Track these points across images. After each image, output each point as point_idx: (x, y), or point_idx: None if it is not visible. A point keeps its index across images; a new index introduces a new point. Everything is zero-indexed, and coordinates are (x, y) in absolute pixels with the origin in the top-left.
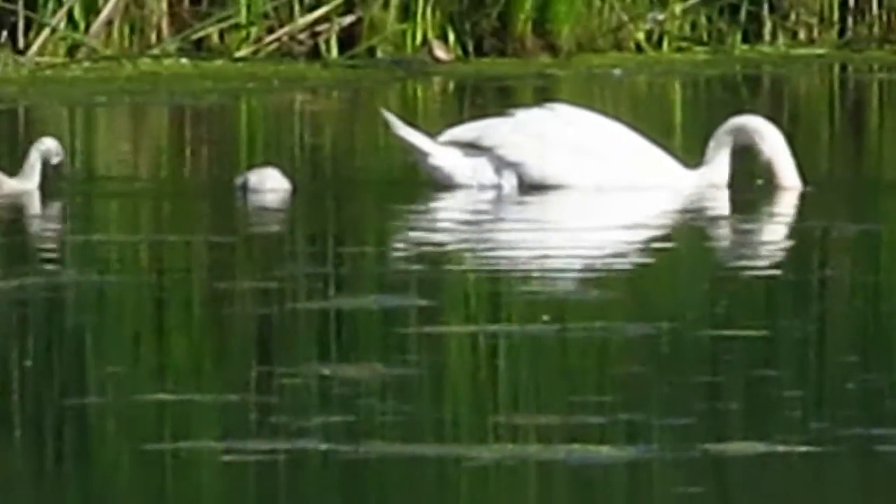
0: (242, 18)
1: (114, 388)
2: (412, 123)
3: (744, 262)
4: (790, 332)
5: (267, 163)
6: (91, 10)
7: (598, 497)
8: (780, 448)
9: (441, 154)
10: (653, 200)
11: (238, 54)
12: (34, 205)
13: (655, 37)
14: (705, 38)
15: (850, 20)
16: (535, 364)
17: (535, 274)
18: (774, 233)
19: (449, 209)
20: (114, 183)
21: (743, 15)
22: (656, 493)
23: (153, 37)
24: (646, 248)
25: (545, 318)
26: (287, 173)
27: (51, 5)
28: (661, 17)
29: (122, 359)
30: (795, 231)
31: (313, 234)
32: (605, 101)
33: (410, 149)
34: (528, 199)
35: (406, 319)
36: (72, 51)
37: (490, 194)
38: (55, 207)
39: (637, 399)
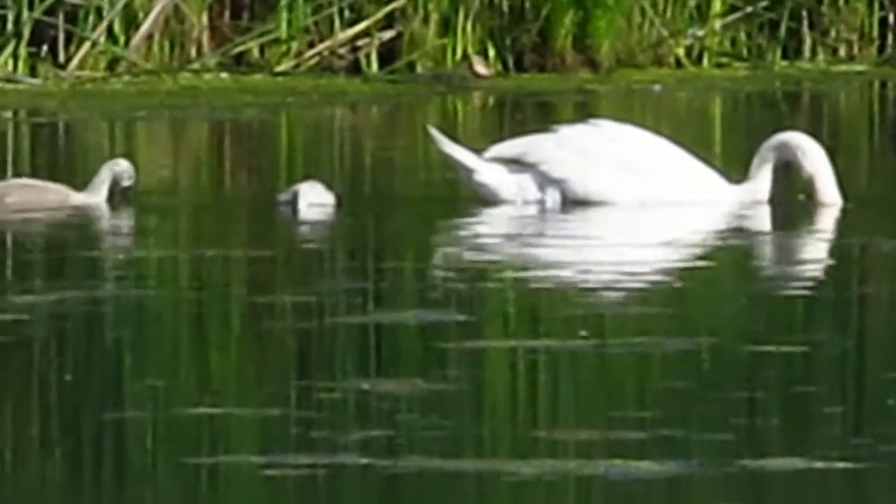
0: (283, 33)
1: (154, 403)
2: (457, 140)
3: (784, 278)
4: (830, 348)
5: (308, 177)
6: (131, 24)
7: None
8: (820, 464)
9: (486, 170)
10: (695, 216)
11: (278, 69)
12: (100, 219)
13: (695, 52)
14: (745, 54)
15: (889, 37)
16: (575, 379)
17: (576, 289)
18: (815, 248)
19: (490, 224)
20: (154, 197)
21: (783, 31)
22: None
23: (193, 51)
24: (686, 264)
25: (583, 333)
26: (330, 188)
27: (91, 19)
28: (700, 32)
29: (161, 373)
30: (835, 247)
31: (354, 249)
32: (644, 117)
33: (455, 165)
34: (571, 215)
35: (446, 334)
36: (112, 65)
37: (533, 210)
38: (114, 224)
39: (677, 414)
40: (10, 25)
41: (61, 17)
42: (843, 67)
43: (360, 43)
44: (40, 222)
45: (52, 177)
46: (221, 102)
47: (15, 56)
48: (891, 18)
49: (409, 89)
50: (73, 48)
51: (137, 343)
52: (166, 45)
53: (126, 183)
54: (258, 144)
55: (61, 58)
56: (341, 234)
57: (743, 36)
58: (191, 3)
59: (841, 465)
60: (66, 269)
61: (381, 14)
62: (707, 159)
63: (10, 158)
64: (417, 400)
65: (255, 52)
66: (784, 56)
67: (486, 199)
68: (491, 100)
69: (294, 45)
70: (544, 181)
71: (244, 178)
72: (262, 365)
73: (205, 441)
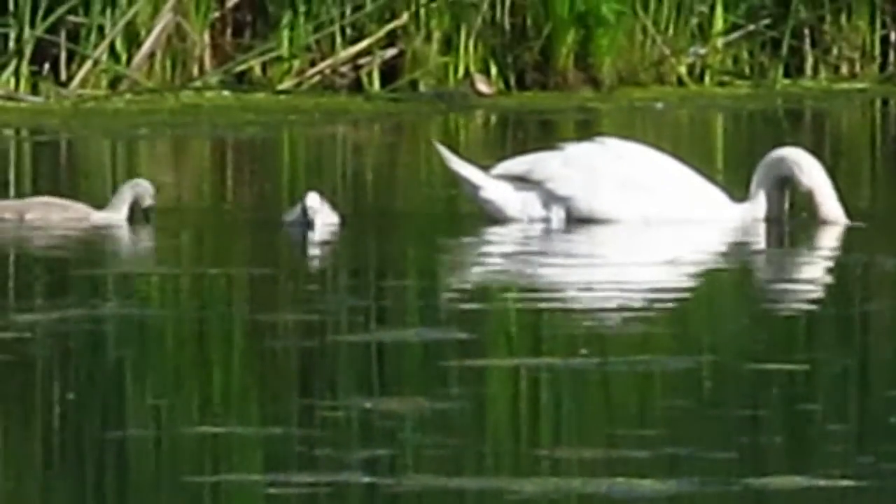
0: (285, 51)
1: (156, 421)
2: (465, 157)
3: (785, 297)
4: (832, 367)
5: (311, 190)
6: (133, 42)
7: None
8: (822, 482)
9: (492, 187)
10: (697, 234)
11: (280, 87)
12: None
13: (697, 71)
14: (747, 72)
15: (891, 55)
16: (578, 397)
17: (578, 307)
18: (816, 266)
19: (494, 242)
20: (156, 215)
21: (785, 49)
22: None
23: (195, 69)
24: (688, 282)
25: (584, 351)
26: (335, 206)
27: (93, 38)
28: (702, 51)
29: (164, 391)
30: (837, 265)
31: (356, 267)
32: (647, 135)
33: (462, 182)
34: (575, 232)
35: (448, 352)
36: (114, 83)
37: (537, 228)
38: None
39: (679, 433)
40: (11, 44)
41: (63, 35)
42: (845, 85)
43: (362, 61)
44: (56, 240)
45: (53, 195)
46: (223, 121)
47: (17, 74)
48: (892, 37)
49: (412, 107)
50: (74, 66)
51: (140, 361)
52: (168, 63)
53: (147, 203)
54: (260, 163)
55: (63, 76)
56: (344, 252)
57: (745, 54)
58: (193, 22)
59: (843, 483)
60: (69, 288)
61: (382, 32)
62: (711, 177)
63: (11, 176)
64: (420, 418)
65: (258, 71)
66: (786, 74)
67: (493, 216)
68: (493, 118)
69: (296, 64)
70: (549, 199)
71: (246, 197)
72: (265, 383)
73: (208, 460)
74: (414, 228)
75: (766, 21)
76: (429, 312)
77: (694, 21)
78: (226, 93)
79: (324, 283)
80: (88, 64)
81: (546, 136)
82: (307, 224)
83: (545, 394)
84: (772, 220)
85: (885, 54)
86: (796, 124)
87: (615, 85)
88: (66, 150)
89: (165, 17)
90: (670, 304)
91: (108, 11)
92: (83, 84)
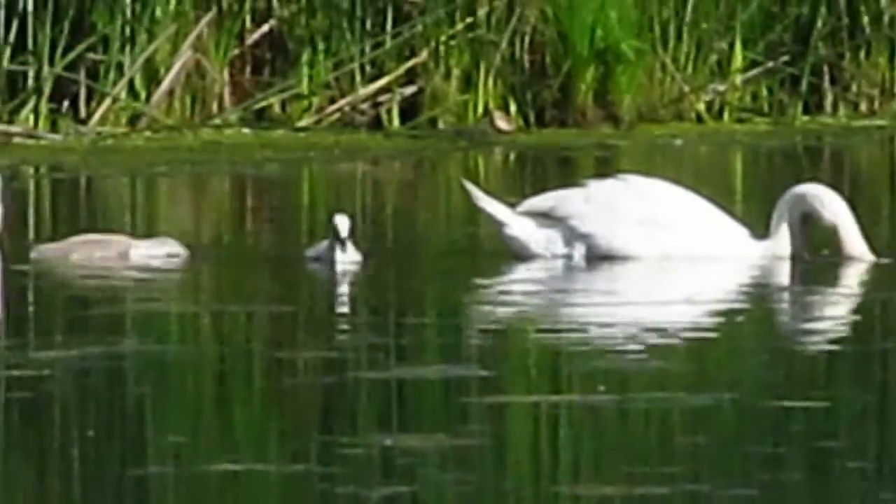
0: (304, 88)
1: (176, 459)
2: (492, 193)
3: (806, 334)
4: (852, 404)
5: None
6: (152, 79)
7: None
8: None
9: (517, 224)
10: (718, 271)
11: (299, 124)
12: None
13: (716, 107)
14: (766, 108)
15: None
16: (597, 434)
17: (598, 344)
18: (837, 304)
19: (513, 280)
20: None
21: (804, 86)
22: None
23: (214, 107)
24: (708, 320)
25: (601, 388)
26: (356, 244)
27: (112, 75)
28: (721, 87)
29: (184, 429)
30: (858, 303)
31: (376, 304)
32: (666, 171)
33: (489, 219)
34: (596, 269)
35: (468, 389)
36: (133, 120)
37: (559, 264)
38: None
39: (700, 470)
40: (31, 81)
41: (82, 72)
42: (865, 122)
43: (381, 98)
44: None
45: (70, 233)
46: (243, 158)
47: (36, 112)
48: None
49: (431, 145)
50: (94, 104)
51: (160, 399)
52: (187, 100)
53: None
54: (280, 200)
55: (82, 113)
56: (364, 289)
57: (764, 91)
58: (212, 59)
59: None
60: (89, 325)
61: (402, 70)
62: (733, 213)
63: (31, 214)
64: (441, 455)
65: (277, 108)
66: (805, 111)
67: (517, 252)
68: (512, 155)
69: (315, 101)
70: (571, 235)
71: (266, 233)
72: (285, 421)
73: (228, 497)
74: (434, 265)
75: (786, 58)
76: (449, 349)
77: (713, 58)
78: (245, 130)
79: (344, 320)
80: (108, 101)
81: (565, 173)
82: (340, 243)
83: (565, 431)
84: (794, 256)
85: None
86: (815, 161)
87: (634, 122)
88: (86, 187)
89: (185, 55)
90: (690, 341)
91: (128, 49)
92: (102, 121)
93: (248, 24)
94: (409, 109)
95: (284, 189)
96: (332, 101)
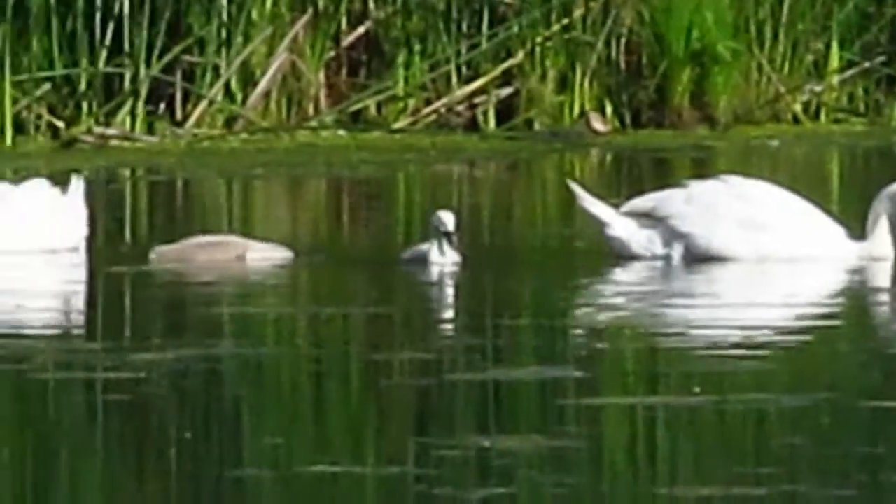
0: (400, 90)
1: (273, 460)
2: (597, 194)
3: None
4: None
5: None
6: (248, 82)
7: None
8: None
9: (619, 225)
10: (815, 272)
11: (395, 126)
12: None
13: (813, 108)
14: (862, 109)
15: None
16: (695, 436)
17: (694, 346)
18: None
19: (610, 281)
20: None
21: None
22: None
23: (310, 108)
24: (805, 321)
25: (698, 389)
26: (456, 245)
27: (208, 77)
28: (818, 88)
29: (281, 430)
30: None
31: (472, 305)
32: (762, 172)
33: (591, 219)
34: (694, 270)
35: (565, 391)
36: (229, 122)
37: (656, 266)
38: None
39: (797, 470)
40: (127, 84)
41: (179, 75)
42: None
43: (477, 100)
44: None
45: (168, 234)
46: (339, 159)
47: (133, 114)
48: None
49: (527, 146)
50: (190, 106)
51: (257, 401)
52: (283, 102)
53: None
54: (376, 201)
55: (178, 115)
56: (461, 291)
57: (860, 91)
58: (308, 61)
59: None
60: (186, 327)
61: (498, 71)
62: (833, 213)
63: (128, 216)
64: (537, 457)
65: (373, 110)
66: None
67: (618, 252)
68: (608, 156)
69: (411, 103)
70: (671, 236)
71: (363, 236)
72: (382, 422)
73: (324, 499)
74: (531, 266)
75: (882, 58)
76: (546, 351)
77: (809, 59)
78: (341, 132)
79: (441, 322)
80: (204, 103)
81: (661, 174)
82: (447, 237)
83: (662, 432)
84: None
85: None
86: None
87: (730, 123)
88: (182, 189)
89: (281, 57)
90: (787, 342)
91: (224, 51)
92: (198, 123)
93: (343, 25)
94: (505, 111)
95: (380, 191)
96: (428, 102)
